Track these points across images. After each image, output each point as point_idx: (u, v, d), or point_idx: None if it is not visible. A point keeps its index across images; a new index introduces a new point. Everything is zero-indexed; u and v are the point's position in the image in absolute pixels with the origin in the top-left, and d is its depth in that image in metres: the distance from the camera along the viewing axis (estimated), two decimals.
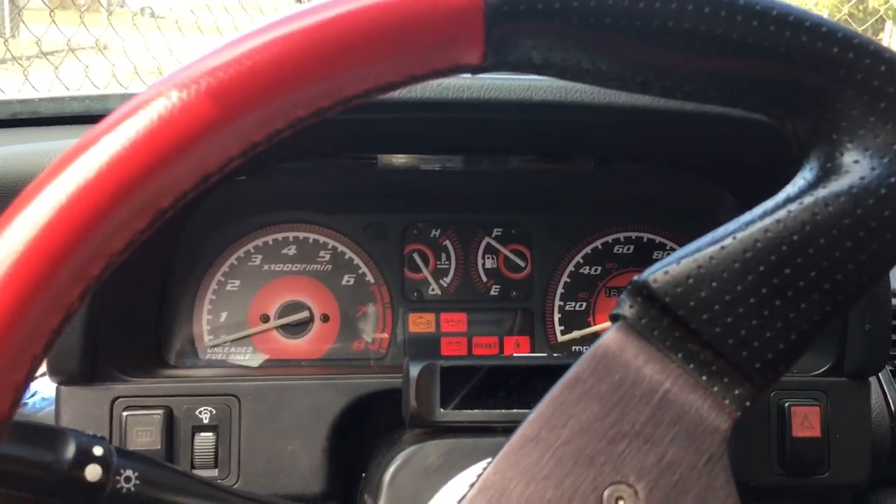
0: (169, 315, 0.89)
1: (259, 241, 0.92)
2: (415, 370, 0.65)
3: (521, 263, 0.95)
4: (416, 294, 0.90)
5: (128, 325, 0.74)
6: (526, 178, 0.92)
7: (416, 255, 0.90)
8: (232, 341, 0.91)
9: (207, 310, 0.90)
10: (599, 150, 0.86)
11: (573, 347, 0.94)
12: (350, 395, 0.71)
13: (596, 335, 0.94)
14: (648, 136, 0.80)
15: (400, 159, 0.83)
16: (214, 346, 0.90)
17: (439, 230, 0.93)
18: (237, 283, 0.87)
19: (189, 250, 0.89)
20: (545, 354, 0.71)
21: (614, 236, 0.97)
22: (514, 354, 0.71)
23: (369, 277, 0.88)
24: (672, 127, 0.75)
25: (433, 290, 0.89)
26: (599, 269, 0.96)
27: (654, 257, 0.97)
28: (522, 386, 0.67)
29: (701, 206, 0.95)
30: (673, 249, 0.97)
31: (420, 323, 0.90)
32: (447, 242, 0.91)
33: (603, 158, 0.87)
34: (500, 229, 0.95)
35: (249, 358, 0.91)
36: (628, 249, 0.97)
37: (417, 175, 0.86)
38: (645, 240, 0.97)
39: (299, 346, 0.91)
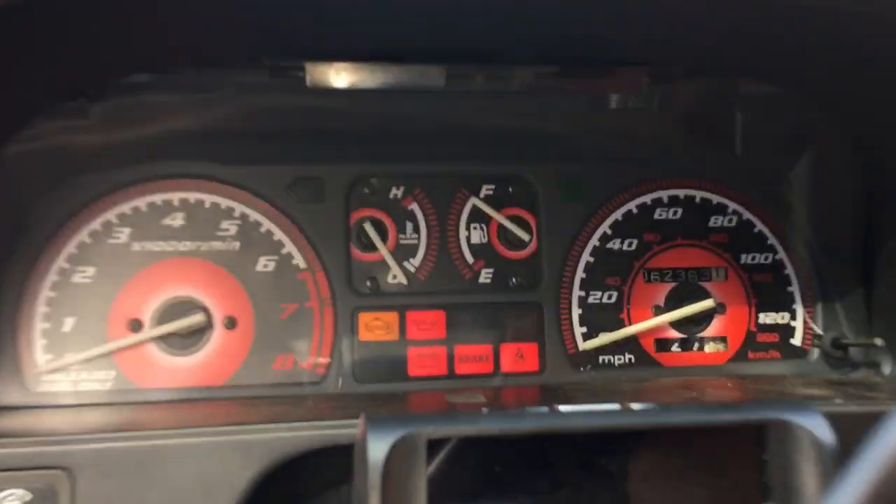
0: None
1: (125, 208, 0.67)
2: (378, 448, 0.35)
3: (524, 236, 0.70)
4: (369, 283, 0.68)
5: None
6: (536, 106, 0.64)
7: (367, 226, 0.68)
8: (83, 362, 0.60)
9: (42, 314, 0.63)
10: (666, 54, 0.57)
11: (601, 358, 0.70)
12: (266, 459, 0.48)
13: (635, 343, 0.66)
14: (756, 31, 0.51)
15: (342, 73, 0.60)
16: (54, 372, 0.60)
17: (402, 188, 0.69)
18: (90, 271, 0.65)
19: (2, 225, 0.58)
20: (617, 407, 0.41)
21: (654, 195, 0.73)
22: (560, 407, 0.41)
23: (297, 260, 0.67)
24: (801, 20, 0.45)
25: (394, 277, 0.69)
26: (635, 242, 0.71)
27: (711, 225, 0.69)
28: (575, 461, 0.38)
29: (785, 147, 0.71)
30: (737, 213, 0.70)
31: (376, 327, 0.67)
32: (414, 206, 0.69)
33: (662, 73, 0.57)
34: (493, 186, 0.70)
35: (111, 387, 0.60)
36: (675, 214, 0.72)
37: (370, 99, 0.64)
38: (698, 199, 0.74)
39: (191, 367, 0.64)
